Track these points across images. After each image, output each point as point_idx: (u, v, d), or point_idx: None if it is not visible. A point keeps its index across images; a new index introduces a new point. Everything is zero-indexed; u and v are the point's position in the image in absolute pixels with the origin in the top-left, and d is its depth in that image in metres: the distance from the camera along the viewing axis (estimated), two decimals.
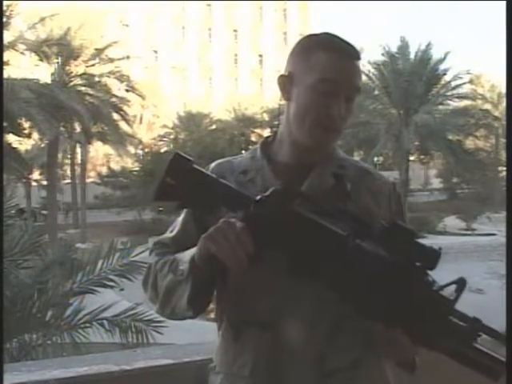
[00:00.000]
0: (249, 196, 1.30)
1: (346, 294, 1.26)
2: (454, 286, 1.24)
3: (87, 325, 6.32)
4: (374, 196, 1.44)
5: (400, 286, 1.24)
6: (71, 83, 25.22)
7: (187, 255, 1.36)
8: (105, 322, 6.42)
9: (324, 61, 1.37)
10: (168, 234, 1.53)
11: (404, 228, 1.26)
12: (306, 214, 1.27)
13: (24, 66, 23.66)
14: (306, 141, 1.41)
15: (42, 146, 25.99)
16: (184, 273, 1.35)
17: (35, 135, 24.32)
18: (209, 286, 1.37)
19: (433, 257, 1.24)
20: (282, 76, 1.44)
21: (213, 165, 1.52)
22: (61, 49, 24.34)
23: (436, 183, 38.25)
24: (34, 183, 30.38)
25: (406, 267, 1.24)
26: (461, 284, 1.23)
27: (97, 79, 25.68)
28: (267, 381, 1.39)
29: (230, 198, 1.31)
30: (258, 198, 1.29)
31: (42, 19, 24.04)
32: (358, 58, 1.41)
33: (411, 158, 29.14)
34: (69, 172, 33.79)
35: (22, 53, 23.09)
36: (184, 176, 1.30)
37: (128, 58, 27.04)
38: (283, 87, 1.43)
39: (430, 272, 1.26)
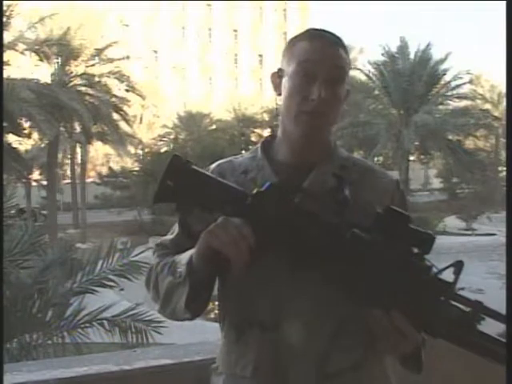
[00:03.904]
0: (246, 192, 1.31)
1: (346, 284, 1.26)
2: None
3: (87, 325, 6.32)
4: (377, 194, 1.44)
5: (397, 272, 1.24)
6: (71, 83, 25.23)
7: (185, 257, 1.37)
8: (105, 322, 6.42)
9: (302, 47, 1.42)
10: (169, 236, 1.54)
11: (398, 213, 1.26)
12: (303, 205, 1.28)
13: (24, 66, 23.66)
14: (295, 131, 1.42)
15: (42, 146, 25.99)
16: (182, 275, 1.36)
17: (35, 135, 24.33)
18: (206, 289, 1.38)
19: (427, 241, 1.24)
20: (273, 73, 1.48)
21: (213, 165, 1.53)
22: (61, 49, 24.34)
23: (436, 183, 38.20)
24: (34, 183, 30.37)
25: (402, 253, 1.25)
26: (458, 267, 1.23)
27: (97, 79, 25.69)
28: (270, 382, 1.39)
29: (229, 196, 1.31)
30: (255, 191, 1.30)
31: (42, 19, 24.07)
32: (337, 43, 1.43)
33: (411, 157, 29.14)
34: (69, 172, 33.78)
35: (21, 53, 23.10)
36: (183, 177, 1.31)
37: (128, 58, 27.04)
38: (274, 83, 1.47)
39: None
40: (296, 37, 1.47)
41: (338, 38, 1.45)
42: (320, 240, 1.26)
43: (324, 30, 1.46)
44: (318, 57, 1.39)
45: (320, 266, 1.26)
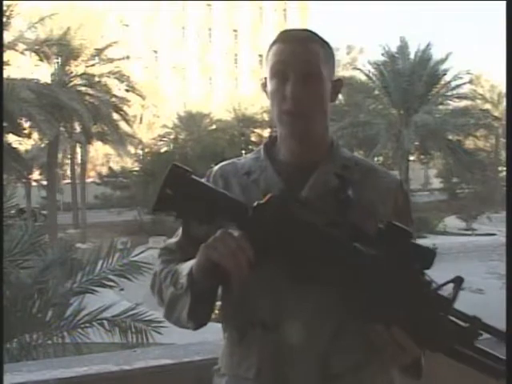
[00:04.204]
0: (246, 204, 1.31)
1: (346, 298, 1.26)
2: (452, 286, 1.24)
3: (87, 325, 6.32)
4: (380, 194, 1.43)
5: (397, 287, 1.24)
6: (71, 83, 25.23)
7: (186, 268, 1.37)
8: (105, 322, 6.42)
9: (274, 50, 1.43)
10: (174, 239, 1.54)
11: (399, 228, 1.25)
12: (304, 218, 1.27)
13: (24, 66, 23.66)
14: (283, 132, 1.44)
15: (42, 146, 25.99)
16: (183, 286, 1.37)
17: (35, 135, 24.33)
18: (208, 300, 1.38)
19: (428, 256, 1.24)
20: (261, 83, 1.49)
21: (216, 168, 1.53)
22: (61, 49, 24.34)
23: (436, 183, 38.22)
24: (34, 183, 30.38)
25: (402, 268, 1.24)
26: (458, 282, 1.23)
27: (97, 79, 25.69)
28: (272, 383, 1.39)
29: (228, 207, 1.31)
30: (255, 204, 1.29)
31: (42, 19, 24.07)
32: (305, 39, 1.42)
33: (411, 157, 29.13)
34: (69, 172, 33.79)
35: (21, 53, 23.10)
36: (182, 187, 1.30)
37: (128, 58, 27.04)
38: (265, 91, 1.47)
39: (429, 272, 1.26)
40: (272, 42, 1.47)
41: (310, 34, 1.44)
42: (320, 253, 1.25)
43: (296, 29, 1.48)
44: (287, 56, 1.40)
45: (320, 280, 1.26)
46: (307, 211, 1.28)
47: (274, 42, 1.44)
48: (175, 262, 1.47)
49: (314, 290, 1.30)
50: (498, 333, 1.23)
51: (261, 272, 1.30)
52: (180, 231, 1.53)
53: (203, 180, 1.48)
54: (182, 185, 1.30)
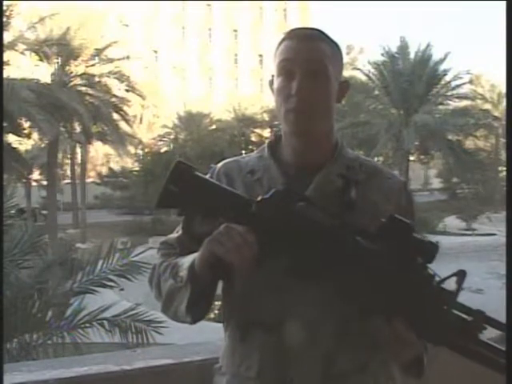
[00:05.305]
0: (250, 199, 1.31)
1: (347, 292, 1.26)
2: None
3: (87, 325, 6.32)
4: (384, 195, 1.43)
5: (400, 281, 1.24)
6: (71, 83, 25.19)
7: (187, 261, 1.36)
8: (105, 322, 6.41)
9: (282, 47, 1.42)
10: (174, 234, 1.54)
11: (401, 222, 1.26)
12: (307, 214, 1.27)
13: (24, 66, 23.65)
14: (287, 130, 1.43)
15: (42, 146, 25.98)
16: (183, 279, 1.36)
17: (35, 135, 24.32)
18: (207, 294, 1.38)
19: (431, 250, 1.24)
20: (269, 80, 1.48)
21: (219, 165, 1.52)
22: (61, 49, 24.30)
23: (436, 183, 38.24)
24: (34, 183, 30.38)
25: (405, 262, 1.24)
26: (461, 276, 1.23)
27: (97, 79, 25.64)
28: (274, 382, 1.38)
29: (232, 203, 1.31)
30: (259, 198, 1.30)
31: (42, 19, 24.03)
32: (313, 37, 1.41)
33: (411, 158, 29.14)
34: (69, 172, 33.79)
35: (22, 53, 23.09)
36: (186, 183, 1.31)
37: (128, 58, 27.00)
38: (272, 90, 1.46)
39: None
40: (280, 39, 1.46)
41: (317, 33, 1.43)
42: (323, 248, 1.25)
43: (304, 28, 1.46)
44: (294, 53, 1.39)
45: (322, 274, 1.26)
46: (310, 209, 1.28)
47: (282, 40, 1.44)
48: (175, 256, 1.46)
49: (316, 288, 1.30)
50: (502, 326, 1.23)
51: (263, 270, 1.30)
52: (180, 227, 1.52)
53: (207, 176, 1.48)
54: (186, 181, 1.31)
